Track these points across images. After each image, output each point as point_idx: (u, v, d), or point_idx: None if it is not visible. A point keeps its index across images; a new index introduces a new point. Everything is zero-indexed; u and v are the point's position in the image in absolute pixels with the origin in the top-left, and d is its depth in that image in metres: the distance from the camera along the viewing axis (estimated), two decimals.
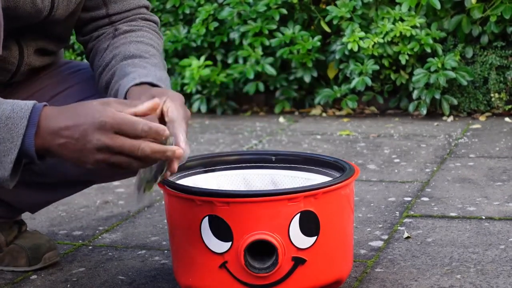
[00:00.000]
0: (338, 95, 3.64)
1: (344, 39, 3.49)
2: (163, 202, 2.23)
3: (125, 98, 1.38)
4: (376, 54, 3.47)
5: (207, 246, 1.40)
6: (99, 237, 2.00)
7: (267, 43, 3.66)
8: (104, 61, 1.52)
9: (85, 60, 4.07)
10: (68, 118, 1.20)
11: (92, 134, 1.17)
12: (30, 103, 1.20)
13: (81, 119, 1.18)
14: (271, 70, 3.65)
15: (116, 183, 2.51)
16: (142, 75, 1.41)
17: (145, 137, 1.18)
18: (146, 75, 1.42)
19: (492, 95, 3.49)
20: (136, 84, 1.40)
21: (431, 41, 3.43)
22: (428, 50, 3.43)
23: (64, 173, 1.63)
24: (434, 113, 3.62)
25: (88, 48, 1.61)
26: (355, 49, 3.45)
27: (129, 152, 1.18)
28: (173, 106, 1.29)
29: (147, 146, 1.18)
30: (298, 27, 3.66)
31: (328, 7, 3.58)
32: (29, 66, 1.57)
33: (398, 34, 3.43)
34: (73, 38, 4.08)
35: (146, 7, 1.63)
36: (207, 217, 1.39)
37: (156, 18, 1.65)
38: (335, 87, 3.66)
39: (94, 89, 1.59)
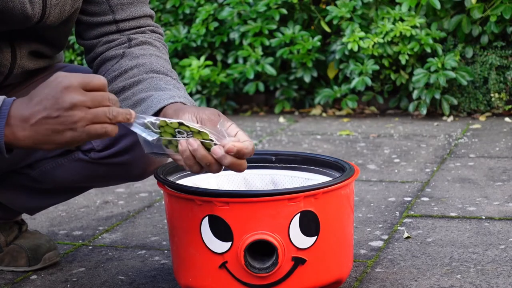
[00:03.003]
0: (338, 95, 3.64)
1: (344, 39, 3.49)
2: (163, 202, 2.23)
3: (159, 111, 1.42)
4: (376, 54, 3.47)
5: (207, 246, 1.40)
6: (99, 237, 2.00)
7: (267, 43, 3.66)
8: (122, 67, 1.52)
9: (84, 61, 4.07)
10: (36, 96, 1.20)
11: (63, 96, 1.17)
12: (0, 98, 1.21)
13: (47, 90, 1.19)
14: (271, 70, 3.65)
15: None
16: (181, 96, 1.45)
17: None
18: (184, 96, 1.47)
19: (492, 95, 3.49)
20: (173, 102, 1.43)
21: (431, 41, 3.43)
22: (428, 50, 3.43)
23: (61, 180, 1.63)
24: (434, 113, 3.62)
25: (95, 52, 1.59)
26: (355, 49, 3.45)
27: (103, 100, 1.19)
28: (233, 125, 1.34)
29: (114, 109, 1.20)
30: (298, 27, 3.66)
31: (328, 7, 3.58)
32: (22, 68, 1.56)
33: (398, 34, 3.43)
34: (73, 38, 4.08)
35: (151, 17, 1.63)
36: (207, 217, 1.39)
37: (161, 30, 1.66)
38: (335, 87, 3.66)
39: None
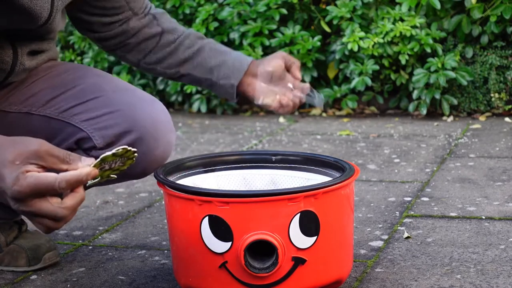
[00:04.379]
0: (338, 95, 3.64)
1: (344, 39, 3.49)
2: (163, 202, 2.23)
3: (247, 70, 1.71)
4: (376, 54, 3.47)
5: (207, 246, 1.40)
6: (99, 237, 2.00)
7: (267, 43, 3.66)
8: (172, 40, 1.75)
9: (85, 60, 4.07)
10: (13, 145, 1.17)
11: (11, 200, 1.15)
12: None
13: (0, 181, 1.15)
14: None
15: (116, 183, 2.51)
16: (245, 56, 1.75)
17: (67, 190, 1.16)
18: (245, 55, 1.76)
19: (492, 95, 3.49)
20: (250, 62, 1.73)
21: (431, 41, 3.43)
22: (428, 50, 3.43)
23: None
24: (434, 113, 3.62)
25: (123, 30, 1.73)
26: (355, 49, 3.46)
27: (48, 216, 1.16)
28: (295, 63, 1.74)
29: (64, 211, 1.16)
30: (298, 27, 3.66)
31: (328, 7, 3.58)
32: (23, 66, 1.58)
33: (398, 34, 3.43)
34: (73, 39, 4.09)
35: None
36: (207, 217, 1.39)
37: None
38: (335, 87, 3.66)
39: (92, 93, 1.58)
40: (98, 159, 1.19)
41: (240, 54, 1.75)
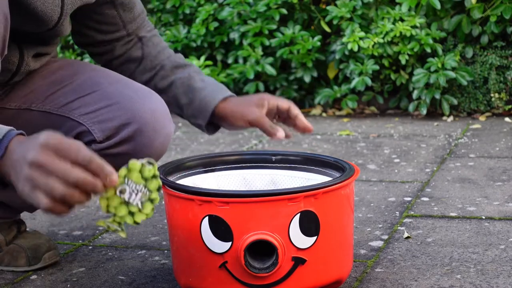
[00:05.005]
0: (338, 95, 3.64)
1: (344, 39, 3.49)
2: (163, 202, 2.23)
3: (214, 111, 1.66)
4: (376, 54, 3.47)
5: (207, 246, 1.40)
6: (99, 237, 2.00)
7: (267, 43, 3.67)
8: (147, 68, 1.74)
9: (85, 60, 4.07)
10: (28, 141, 1.15)
11: (31, 151, 1.11)
12: (5, 129, 1.18)
13: (30, 141, 1.14)
14: (271, 70, 3.65)
15: None
16: (224, 90, 1.69)
17: (85, 167, 1.10)
18: (226, 89, 1.70)
19: (492, 95, 3.49)
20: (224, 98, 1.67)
21: (431, 41, 3.43)
22: (428, 50, 3.43)
23: None
24: (434, 113, 3.62)
25: (113, 54, 1.75)
26: (355, 49, 3.46)
27: (61, 175, 1.09)
28: (275, 99, 1.63)
29: (82, 173, 1.09)
30: (298, 27, 3.66)
31: (328, 7, 3.59)
32: (28, 67, 1.60)
33: (398, 34, 3.43)
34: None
35: (143, 11, 1.78)
36: (207, 217, 1.39)
37: (151, 23, 1.83)
38: (335, 87, 3.66)
39: (90, 87, 1.60)
40: (125, 166, 1.13)
41: (213, 90, 1.69)
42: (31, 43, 1.58)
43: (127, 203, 1.15)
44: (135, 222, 1.16)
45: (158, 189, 1.16)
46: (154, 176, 1.15)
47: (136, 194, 1.15)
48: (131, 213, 1.16)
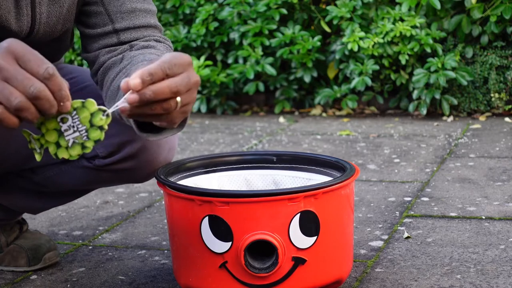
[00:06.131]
0: (338, 95, 3.64)
1: (344, 39, 3.49)
2: (163, 202, 2.23)
3: None
4: (376, 54, 3.47)
5: (207, 246, 1.40)
6: (99, 237, 2.00)
7: (267, 43, 3.66)
8: (119, 68, 1.43)
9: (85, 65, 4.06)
10: None
11: None
12: None
13: None
14: (271, 70, 3.65)
15: None
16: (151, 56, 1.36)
17: (44, 82, 1.03)
18: (157, 54, 1.37)
19: (492, 95, 3.49)
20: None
21: (431, 41, 3.43)
22: (428, 50, 3.43)
23: (65, 185, 1.63)
24: (434, 113, 3.62)
25: (98, 62, 1.48)
26: (355, 49, 3.46)
27: (20, 83, 1.02)
28: (169, 54, 1.16)
29: (43, 85, 1.02)
30: (298, 27, 3.66)
31: (328, 7, 3.58)
32: None
33: (398, 34, 3.43)
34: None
35: (157, 29, 1.51)
36: (207, 217, 1.39)
37: (170, 43, 1.53)
38: (335, 87, 3.66)
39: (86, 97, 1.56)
40: (82, 100, 1.09)
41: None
42: None
43: (60, 133, 1.11)
44: (55, 155, 1.12)
45: (96, 141, 1.12)
46: (100, 127, 1.11)
47: (74, 132, 1.11)
48: (58, 144, 1.12)
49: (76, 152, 1.12)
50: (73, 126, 1.11)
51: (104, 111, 1.11)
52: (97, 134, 1.11)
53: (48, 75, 1.03)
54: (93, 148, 1.50)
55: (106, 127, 1.11)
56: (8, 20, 1.37)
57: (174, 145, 1.59)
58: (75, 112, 1.10)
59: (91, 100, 1.11)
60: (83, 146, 1.12)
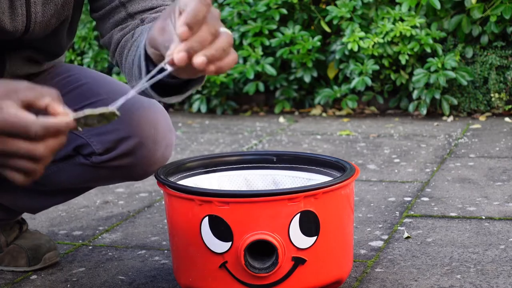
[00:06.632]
0: (338, 95, 3.64)
1: (344, 39, 3.49)
2: (163, 202, 2.23)
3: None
4: (376, 54, 3.47)
5: (207, 246, 1.40)
6: (99, 237, 2.00)
7: (267, 43, 3.66)
8: (130, 43, 1.39)
9: (85, 60, 4.07)
10: None
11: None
12: None
13: None
14: (271, 70, 3.65)
15: None
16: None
17: (44, 139, 1.02)
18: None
19: (492, 95, 3.49)
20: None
21: (431, 41, 3.43)
22: (428, 50, 3.43)
23: (63, 183, 1.63)
24: (434, 113, 3.62)
25: (113, 44, 1.45)
26: (355, 49, 3.45)
27: (23, 155, 1.02)
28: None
29: (42, 147, 1.02)
30: (298, 27, 3.66)
31: (328, 7, 3.58)
32: (13, 74, 1.53)
33: (398, 34, 3.43)
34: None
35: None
36: (207, 217, 1.39)
37: None
38: (335, 87, 3.66)
39: (87, 98, 1.56)
40: (82, 115, 1.06)
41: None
42: (15, 48, 1.50)
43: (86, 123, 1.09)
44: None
45: (109, 120, 1.09)
46: (108, 116, 1.09)
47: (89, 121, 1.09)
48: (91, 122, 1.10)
49: (108, 121, 1.10)
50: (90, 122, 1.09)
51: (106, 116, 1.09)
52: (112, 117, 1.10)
53: (41, 136, 1.02)
54: (90, 144, 1.52)
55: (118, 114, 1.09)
56: (3, 21, 1.37)
57: (171, 142, 1.58)
58: (83, 119, 1.08)
59: (89, 112, 1.07)
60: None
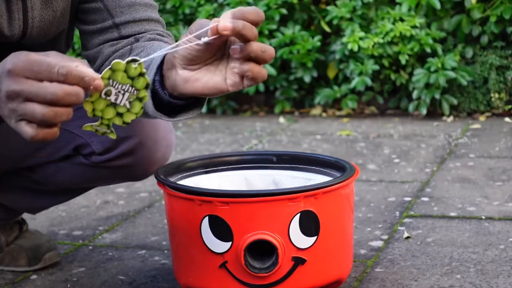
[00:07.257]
0: (338, 95, 3.64)
1: (344, 39, 3.49)
2: (163, 202, 2.23)
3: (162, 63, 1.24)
4: (376, 54, 3.47)
5: (207, 246, 1.40)
6: (99, 237, 2.00)
7: (267, 43, 3.66)
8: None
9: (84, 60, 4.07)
10: None
11: (2, 82, 1.03)
12: None
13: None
14: (271, 70, 3.65)
15: None
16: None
17: (65, 82, 1.01)
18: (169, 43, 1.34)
19: (492, 95, 3.49)
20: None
21: (431, 41, 3.43)
22: (428, 50, 3.43)
23: (63, 183, 1.63)
24: (434, 113, 3.62)
25: (101, 57, 1.47)
26: (355, 49, 3.46)
27: (37, 96, 1.00)
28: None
29: (59, 87, 1.01)
30: (298, 27, 3.66)
31: (328, 7, 3.59)
32: None
33: (398, 34, 3.43)
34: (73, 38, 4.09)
35: (159, 23, 1.51)
36: (207, 217, 1.39)
37: (173, 37, 1.50)
38: (335, 87, 3.66)
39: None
40: (109, 67, 1.07)
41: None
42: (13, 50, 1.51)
43: (114, 105, 1.10)
44: (124, 123, 1.11)
45: (146, 87, 1.10)
46: (140, 74, 1.09)
47: (123, 95, 1.09)
48: (120, 114, 1.11)
49: (137, 108, 1.11)
50: (119, 91, 1.09)
51: (132, 60, 1.09)
52: (142, 81, 1.10)
53: (62, 77, 1.02)
54: (90, 144, 1.52)
55: (144, 70, 1.10)
56: (1, 24, 1.37)
57: (171, 142, 1.58)
58: (111, 81, 1.08)
59: (116, 61, 1.08)
60: (139, 99, 1.11)
